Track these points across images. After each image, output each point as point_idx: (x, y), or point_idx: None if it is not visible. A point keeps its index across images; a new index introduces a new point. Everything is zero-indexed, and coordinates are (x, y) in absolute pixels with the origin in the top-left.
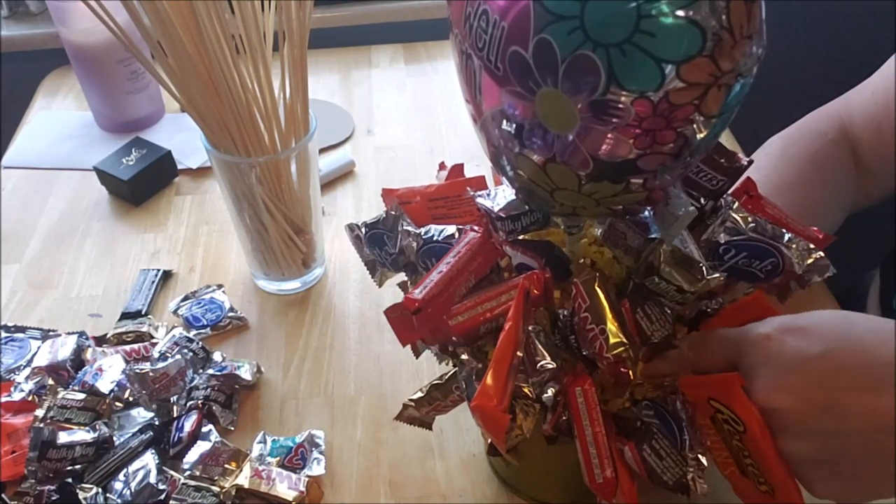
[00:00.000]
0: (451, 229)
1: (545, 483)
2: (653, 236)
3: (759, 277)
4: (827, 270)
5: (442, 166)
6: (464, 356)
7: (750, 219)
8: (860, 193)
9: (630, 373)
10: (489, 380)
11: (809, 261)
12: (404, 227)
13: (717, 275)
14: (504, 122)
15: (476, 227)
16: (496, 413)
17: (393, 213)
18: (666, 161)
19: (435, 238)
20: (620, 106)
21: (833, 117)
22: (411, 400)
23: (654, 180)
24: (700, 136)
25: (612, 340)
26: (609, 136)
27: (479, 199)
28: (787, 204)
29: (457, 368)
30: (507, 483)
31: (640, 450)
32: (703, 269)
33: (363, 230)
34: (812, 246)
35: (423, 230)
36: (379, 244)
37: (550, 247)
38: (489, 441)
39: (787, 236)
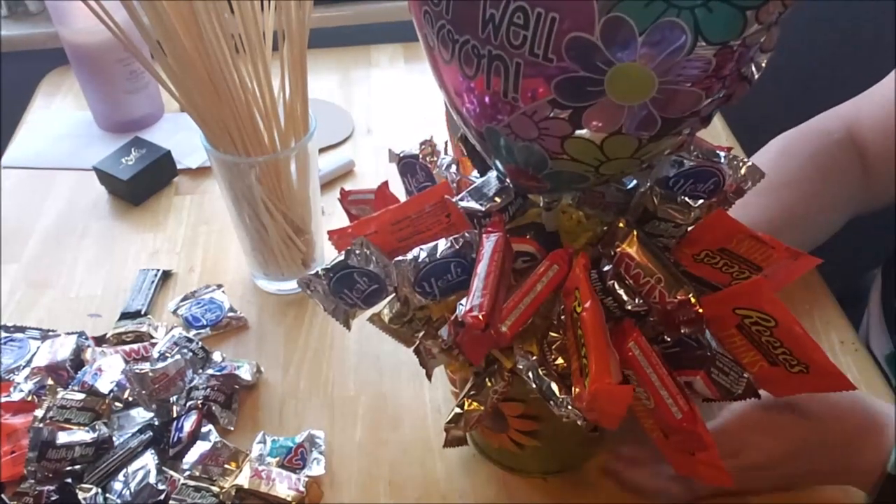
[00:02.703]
0: (442, 244)
1: (531, 454)
2: (630, 187)
3: (704, 197)
4: (758, 173)
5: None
6: (520, 355)
7: (692, 147)
8: (868, 196)
9: (699, 308)
10: (594, 364)
11: (742, 171)
12: (383, 262)
13: (700, 202)
14: (552, 111)
15: (491, 229)
16: (617, 390)
17: (363, 249)
18: (723, 103)
19: (429, 259)
20: (703, 61)
21: (840, 118)
22: (450, 422)
23: (705, 122)
24: (757, 73)
25: (672, 286)
26: (687, 92)
27: (462, 204)
28: (785, 201)
29: (481, 372)
30: (489, 455)
31: (710, 374)
32: (687, 200)
33: (327, 278)
34: (744, 159)
35: (410, 256)
36: (349, 286)
37: (540, 227)
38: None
39: (721, 155)
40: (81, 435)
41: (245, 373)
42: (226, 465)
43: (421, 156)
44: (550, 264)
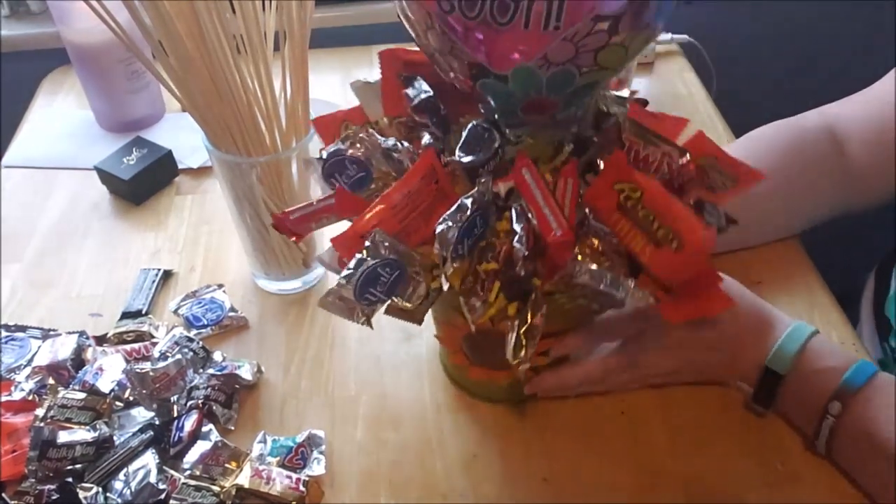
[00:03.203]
0: (467, 202)
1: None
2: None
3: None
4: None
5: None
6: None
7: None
8: (848, 194)
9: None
10: (681, 223)
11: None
12: (399, 249)
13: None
14: (595, 26)
15: (520, 163)
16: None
17: (382, 241)
18: None
19: (460, 221)
20: None
21: (822, 114)
22: (530, 367)
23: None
24: None
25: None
26: None
27: (465, 160)
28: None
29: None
30: (462, 385)
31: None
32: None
33: (352, 283)
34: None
35: (443, 226)
36: (374, 283)
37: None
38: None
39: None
40: (82, 434)
41: (246, 372)
42: (226, 465)
43: (348, 150)
44: (566, 178)
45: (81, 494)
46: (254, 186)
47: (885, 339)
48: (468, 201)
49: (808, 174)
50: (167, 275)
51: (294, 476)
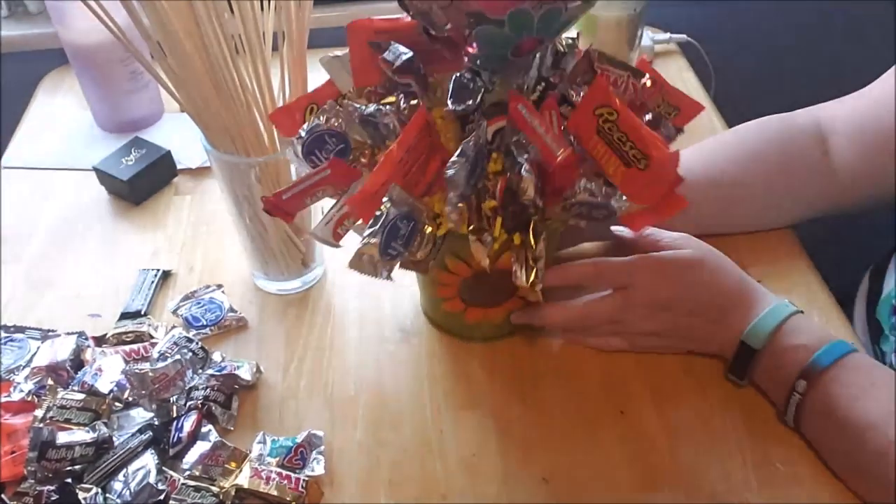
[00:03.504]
0: (468, 147)
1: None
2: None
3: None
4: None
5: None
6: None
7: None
8: (834, 192)
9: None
10: (649, 145)
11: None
12: (410, 202)
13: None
14: None
15: (514, 102)
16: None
17: (397, 196)
18: None
19: (465, 161)
20: None
21: (810, 113)
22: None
23: None
24: None
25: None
26: None
27: (459, 108)
28: (730, 164)
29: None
30: (455, 332)
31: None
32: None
33: (379, 238)
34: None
35: (453, 170)
36: (395, 236)
37: (502, 104)
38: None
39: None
40: (81, 435)
41: (245, 373)
42: (226, 465)
43: (325, 124)
44: (549, 111)
45: (81, 495)
46: (252, 187)
47: (876, 343)
48: (469, 145)
49: (792, 168)
50: (166, 275)
51: (293, 476)
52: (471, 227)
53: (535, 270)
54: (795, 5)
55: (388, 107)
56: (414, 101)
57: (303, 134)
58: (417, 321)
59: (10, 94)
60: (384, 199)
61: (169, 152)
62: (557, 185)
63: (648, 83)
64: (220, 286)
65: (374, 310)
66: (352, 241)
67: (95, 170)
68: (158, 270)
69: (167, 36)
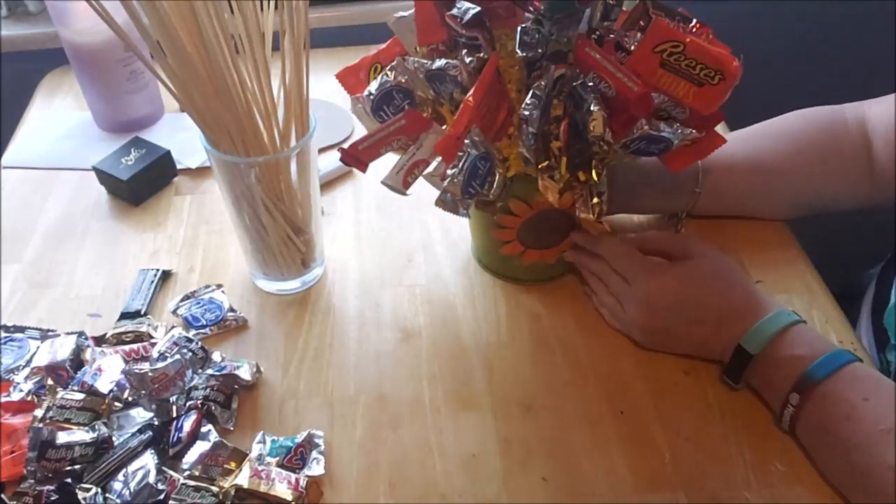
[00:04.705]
0: (538, 89)
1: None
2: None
3: None
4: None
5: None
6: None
7: None
8: (871, 189)
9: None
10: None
11: None
12: (486, 145)
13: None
14: None
15: (581, 43)
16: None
17: (476, 138)
18: None
19: (538, 104)
20: None
21: (858, 106)
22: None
23: None
24: None
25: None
26: None
27: (529, 55)
28: (782, 148)
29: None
30: (509, 276)
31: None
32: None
33: (461, 178)
34: None
35: (528, 111)
36: (474, 176)
37: (562, 52)
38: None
39: None
40: (81, 435)
41: (245, 373)
42: (225, 465)
43: (392, 82)
44: (607, 55)
45: (80, 495)
46: (252, 187)
47: (882, 351)
48: (542, 86)
49: (835, 162)
50: (166, 275)
51: (293, 476)
52: (540, 166)
53: (600, 204)
54: (796, 5)
55: (455, 61)
56: (479, 55)
57: (373, 90)
58: (417, 321)
59: (10, 95)
60: (466, 142)
61: (169, 152)
62: (631, 116)
63: (693, 24)
64: (220, 286)
65: (373, 310)
66: (348, 239)
67: (95, 170)
68: (158, 270)
69: (167, 36)
